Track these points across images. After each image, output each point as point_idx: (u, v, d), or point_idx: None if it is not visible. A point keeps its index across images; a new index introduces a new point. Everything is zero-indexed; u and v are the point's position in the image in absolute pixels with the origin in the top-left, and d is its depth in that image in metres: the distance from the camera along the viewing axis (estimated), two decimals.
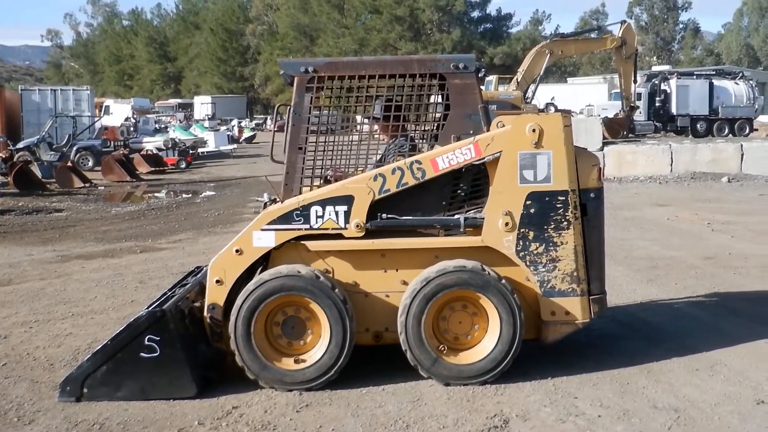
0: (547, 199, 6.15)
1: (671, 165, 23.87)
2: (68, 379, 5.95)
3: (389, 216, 6.20)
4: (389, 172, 6.14)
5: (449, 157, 6.13)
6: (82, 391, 5.89)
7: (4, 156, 25.77)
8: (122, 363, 5.89)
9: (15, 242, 13.82)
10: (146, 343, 5.87)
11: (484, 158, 6.13)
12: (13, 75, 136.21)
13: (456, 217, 6.23)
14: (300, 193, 6.27)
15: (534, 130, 6.11)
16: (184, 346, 5.95)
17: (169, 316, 5.90)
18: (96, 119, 37.50)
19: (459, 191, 6.33)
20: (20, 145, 28.36)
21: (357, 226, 6.14)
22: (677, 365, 6.52)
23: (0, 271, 11.15)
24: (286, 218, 6.18)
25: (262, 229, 6.20)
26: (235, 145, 42.37)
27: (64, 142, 28.94)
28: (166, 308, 5.94)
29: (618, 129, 30.58)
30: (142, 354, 5.88)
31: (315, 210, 6.17)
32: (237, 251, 6.21)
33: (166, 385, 5.92)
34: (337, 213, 6.16)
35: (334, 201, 6.16)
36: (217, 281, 6.22)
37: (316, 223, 6.17)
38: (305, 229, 6.19)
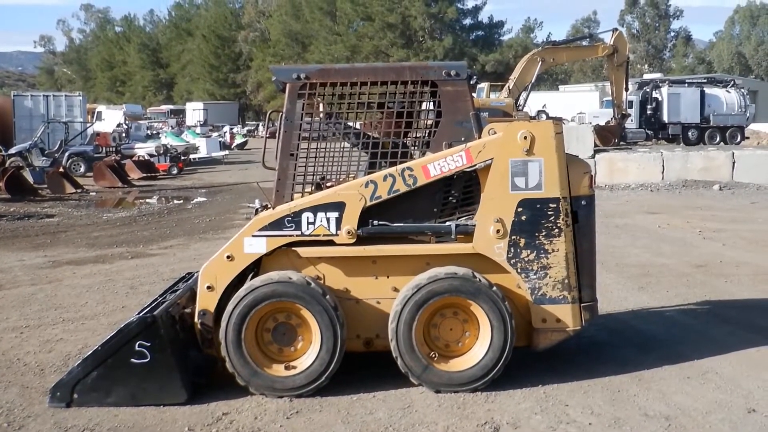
0: (538, 206, 6.16)
1: (662, 173, 23.95)
2: (58, 385, 5.93)
3: (380, 222, 6.20)
4: (381, 178, 6.14)
5: (440, 164, 6.14)
6: (72, 397, 5.88)
7: None
8: (113, 369, 5.89)
9: (6, 248, 13.77)
10: (137, 348, 5.87)
11: (475, 165, 6.14)
12: (6, 81, 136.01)
13: (447, 224, 6.23)
14: (291, 200, 6.27)
15: (525, 138, 6.12)
16: (174, 352, 5.95)
17: (159, 322, 5.90)
18: (88, 125, 37.40)
19: (450, 198, 6.33)
20: (12, 150, 28.28)
21: (348, 232, 6.14)
22: (668, 373, 6.53)
23: None
24: (277, 224, 6.18)
25: (254, 236, 6.19)
26: (227, 152, 42.32)
27: (56, 148, 28.85)
28: (156, 314, 5.94)
29: (609, 137, 30.67)
30: (132, 360, 5.87)
31: (306, 216, 6.17)
32: (228, 257, 6.21)
33: (157, 390, 5.91)
34: (328, 219, 6.16)
35: (326, 207, 6.16)
36: (208, 287, 6.21)
37: (308, 229, 6.17)
38: (296, 236, 6.18)
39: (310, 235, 6.19)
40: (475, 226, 6.17)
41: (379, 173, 6.21)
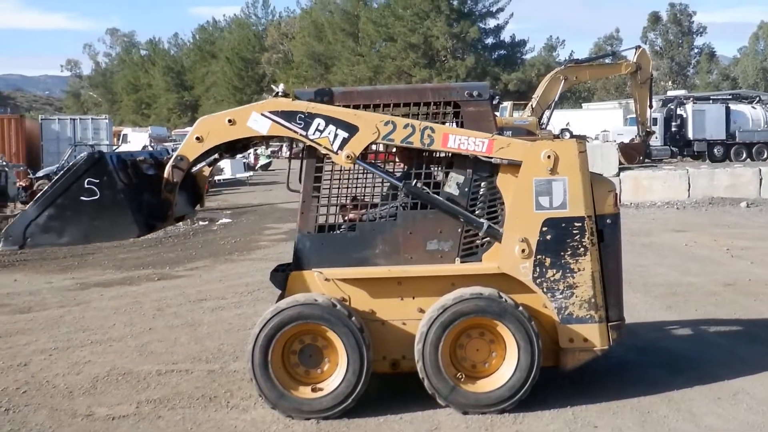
0: (563, 225, 6.14)
1: (688, 190, 23.74)
2: (10, 228, 5.95)
3: (422, 187, 6.20)
4: (402, 124, 6.16)
5: (461, 139, 6.13)
6: (25, 240, 5.90)
7: (24, 184, 26.03)
8: (63, 208, 5.91)
9: (35, 270, 13.91)
10: (86, 186, 5.87)
11: (492, 158, 6.11)
12: (34, 105, 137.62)
13: (480, 220, 6.20)
14: (316, 222, 6.30)
15: (549, 157, 6.11)
16: (123, 188, 5.96)
17: (107, 159, 5.92)
18: (114, 148, 37.78)
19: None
20: (40, 173, 28.63)
21: (348, 156, 6.14)
22: (699, 394, 6.45)
23: (20, 298, 11.22)
24: (288, 115, 6.18)
25: (263, 114, 6.21)
26: (251, 173, 42.53)
27: None
28: (104, 152, 5.96)
29: (634, 154, 30.56)
30: (82, 198, 5.88)
31: (318, 122, 6.16)
32: (230, 121, 6.24)
33: (108, 227, 5.95)
34: (336, 135, 6.15)
35: (339, 123, 6.16)
36: (198, 138, 6.26)
37: (313, 134, 6.17)
38: (300, 135, 6.19)
39: (312, 141, 6.18)
40: (503, 232, 6.15)
41: (402, 119, 6.22)
